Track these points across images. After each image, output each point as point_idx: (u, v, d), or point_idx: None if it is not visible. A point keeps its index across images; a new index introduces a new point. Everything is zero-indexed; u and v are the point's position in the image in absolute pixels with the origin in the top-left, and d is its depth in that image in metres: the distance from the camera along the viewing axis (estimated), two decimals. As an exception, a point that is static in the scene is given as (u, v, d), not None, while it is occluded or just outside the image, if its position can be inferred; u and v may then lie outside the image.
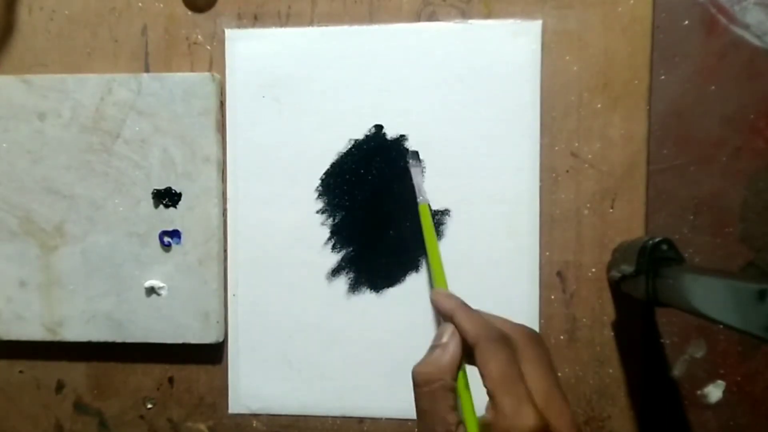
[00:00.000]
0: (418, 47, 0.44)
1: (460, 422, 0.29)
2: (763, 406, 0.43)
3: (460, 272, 0.45)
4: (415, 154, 0.44)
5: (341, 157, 0.45)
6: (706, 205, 0.43)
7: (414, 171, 0.44)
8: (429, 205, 0.43)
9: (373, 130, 0.45)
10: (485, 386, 0.28)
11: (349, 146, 0.45)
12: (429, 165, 0.45)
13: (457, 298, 0.34)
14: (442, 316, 0.33)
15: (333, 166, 0.45)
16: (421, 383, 0.30)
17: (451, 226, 0.45)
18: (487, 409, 0.28)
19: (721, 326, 0.37)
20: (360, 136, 0.45)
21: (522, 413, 0.26)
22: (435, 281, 0.39)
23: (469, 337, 0.30)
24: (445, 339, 0.31)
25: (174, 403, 0.48)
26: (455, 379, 0.30)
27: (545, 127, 0.44)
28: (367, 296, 0.46)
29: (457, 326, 0.31)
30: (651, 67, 0.43)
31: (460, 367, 0.30)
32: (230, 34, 0.46)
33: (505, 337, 0.30)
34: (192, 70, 0.46)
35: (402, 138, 0.45)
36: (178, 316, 0.46)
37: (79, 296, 0.47)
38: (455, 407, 0.29)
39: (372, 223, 0.45)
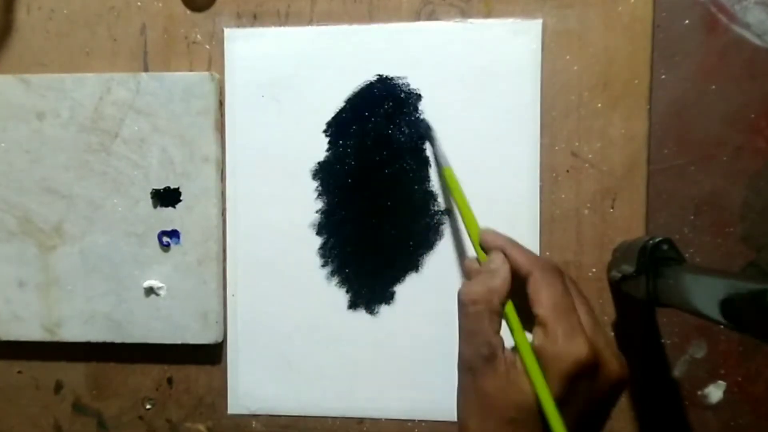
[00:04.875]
0: (417, 47, 0.44)
1: (503, 346, 0.29)
2: (764, 406, 0.43)
3: (461, 272, 0.44)
4: (427, 125, 0.44)
5: (341, 156, 0.45)
6: (707, 205, 0.43)
7: (433, 140, 0.43)
8: (451, 169, 0.42)
9: (372, 131, 0.45)
10: (537, 313, 0.28)
11: (349, 145, 0.45)
12: (429, 165, 0.45)
13: (507, 236, 0.33)
14: (490, 249, 0.33)
15: (333, 165, 0.45)
16: (467, 302, 0.30)
17: (451, 226, 0.45)
18: (534, 336, 0.28)
19: (722, 326, 0.37)
20: (359, 135, 0.45)
21: (575, 341, 0.27)
22: (472, 233, 0.37)
23: (523, 266, 0.30)
24: (494, 265, 0.31)
25: (173, 404, 0.48)
26: (503, 303, 0.30)
27: (545, 126, 0.44)
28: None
29: (511, 257, 0.31)
30: (651, 67, 0.43)
31: (508, 295, 0.30)
32: (229, 33, 0.46)
33: (558, 268, 0.30)
34: (191, 70, 0.46)
35: (402, 137, 0.45)
36: (177, 316, 0.46)
37: (78, 296, 0.46)
38: (499, 331, 0.29)
39: (372, 223, 0.45)
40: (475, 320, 0.29)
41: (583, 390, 0.27)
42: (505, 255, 0.31)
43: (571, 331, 0.27)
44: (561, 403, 0.26)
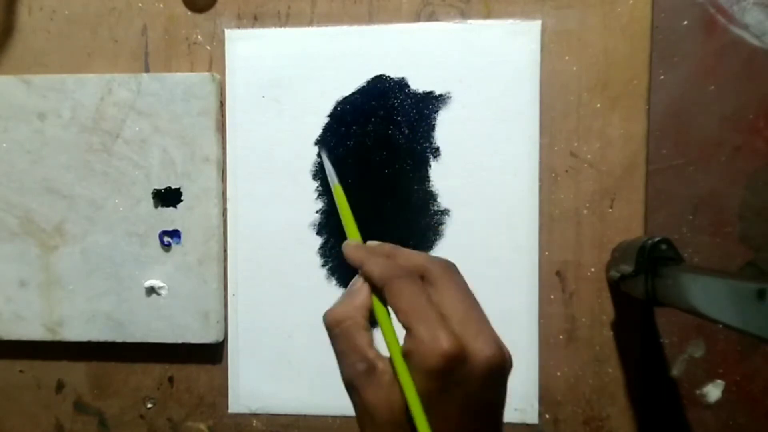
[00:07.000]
0: (417, 47, 0.44)
1: (379, 356, 0.29)
2: (762, 405, 0.43)
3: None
4: (322, 145, 0.45)
5: (341, 156, 0.45)
6: (705, 205, 0.43)
7: (324, 158, 0.44)
8: (339, 186, 0.42)
9: (372, 131, 0.45)
10: (400, 322, 0.29)
11: (349, 145, 0.45)
12: (429, 165, 0.45)
13: (365, 247, 0.34)
14: (354, 266, 0.33)
15: (333, 165, 0.45)
16: (332, 324, 0.31)
17: (451, 226, 0.45)
18: (404, 342, 0.29)
19: (721, 326, 0.37)
20: (359, 135, 0.45)
21: (437, 337, 0.27)
22: (348, 235, 0.37)
23: (376, 280, 0.30)
24: (355, 286, 0.31)
25: (174, 403, 0.48)
26: (366, 318, 0.30)
27: (545, 127, 0.44)
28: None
29: (366, 274, 0.31)
30: (650, 67, 0.43)
31: (370, 309, 0.31)
32: (230, 34, 0.46)
33: (411, 272, 0.30)
34: (192, 71, 0.46)
35: (402, 137, 0.45)
36: (178, 315, 0.46)
37: (79, 296, 0.47)
38: (372, 344, 0.30)
39: (372, 223, 0.45)
40: (344, 339, 0.30)
41: (457, 380, 0.27)
42: (364, 271, 0.32)
43: (431, 327, 0.28)
44: (439, 397, 0.27)
